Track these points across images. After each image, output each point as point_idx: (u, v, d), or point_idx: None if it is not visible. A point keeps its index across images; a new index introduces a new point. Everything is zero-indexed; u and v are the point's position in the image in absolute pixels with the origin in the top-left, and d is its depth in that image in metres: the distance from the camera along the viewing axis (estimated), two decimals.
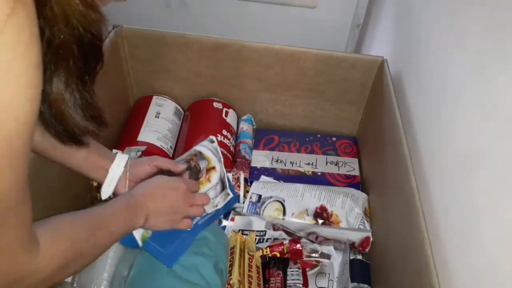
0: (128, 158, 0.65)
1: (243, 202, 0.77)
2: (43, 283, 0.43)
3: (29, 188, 0.35)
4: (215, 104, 0.88)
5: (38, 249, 0.41)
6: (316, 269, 0.70)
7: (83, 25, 0.34)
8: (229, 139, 0.85)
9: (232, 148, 0.85)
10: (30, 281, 0.40)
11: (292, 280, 0.69)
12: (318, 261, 0.71)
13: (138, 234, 0.62)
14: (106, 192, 0.64)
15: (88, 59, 0.37)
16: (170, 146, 0.84)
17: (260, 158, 0.85)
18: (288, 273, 0.69)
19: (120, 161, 0.64)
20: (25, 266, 0.39)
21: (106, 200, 0.65)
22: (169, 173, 0.67)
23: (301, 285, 0.67)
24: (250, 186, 0.79)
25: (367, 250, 0.72)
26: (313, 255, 0.72)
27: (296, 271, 0.70)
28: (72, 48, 0.35)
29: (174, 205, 0.62)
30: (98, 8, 0.34)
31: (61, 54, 0.35)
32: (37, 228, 0.42)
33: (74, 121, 0.40)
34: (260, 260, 0.71)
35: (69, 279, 0.61)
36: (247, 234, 0.72)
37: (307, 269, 0.70)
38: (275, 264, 0.70)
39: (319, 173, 0.83)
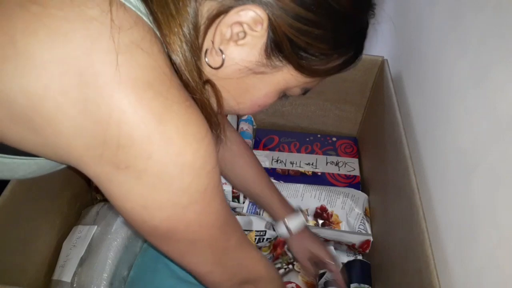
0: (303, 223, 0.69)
1: (243, 202, 0.77)
2: None
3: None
4: None
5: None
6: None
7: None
8: None
9: None
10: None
11: None
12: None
13: None
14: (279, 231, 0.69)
15: None
16: None
17: (260, 158, 0.85)
18: None
19: (299, 222, 0.68)
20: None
21: None
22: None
23: None
24: None
25: (367, 251, 0.72)
26: None
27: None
28: None
29: None
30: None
31: None
32: None
33: None
34: None
35: (68, 279, 0.61)
36: (246, 234, 0.72)
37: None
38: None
39: (319, 173, 0.83)
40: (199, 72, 0.37)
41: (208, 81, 0.39)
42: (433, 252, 0.49)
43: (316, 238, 0.69)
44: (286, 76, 0.41)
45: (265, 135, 0.90)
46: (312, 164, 0.84)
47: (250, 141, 0.88)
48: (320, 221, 0.72)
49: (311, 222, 0.73)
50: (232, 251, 0.44)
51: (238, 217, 0.73)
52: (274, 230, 0.74)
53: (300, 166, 0.84)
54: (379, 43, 0.96)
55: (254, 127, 0.93)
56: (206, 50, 0.38)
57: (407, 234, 0.56)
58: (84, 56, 0.30)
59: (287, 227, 0.66)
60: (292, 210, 0.68)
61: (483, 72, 0.48)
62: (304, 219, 0.68)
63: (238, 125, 0.92)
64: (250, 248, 0.47)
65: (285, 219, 0.67)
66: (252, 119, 0.92)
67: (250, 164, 0.68)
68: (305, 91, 0.46)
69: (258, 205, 0.75)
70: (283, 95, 0.45)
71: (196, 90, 0.37)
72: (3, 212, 0.54)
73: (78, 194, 0.74)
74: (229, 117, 0.88)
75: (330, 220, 0.72)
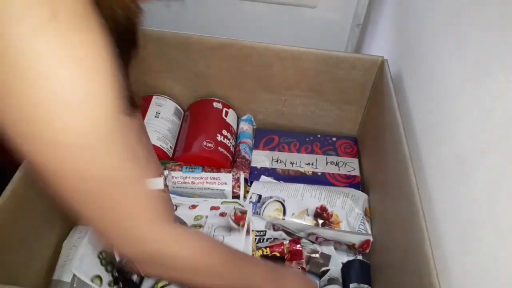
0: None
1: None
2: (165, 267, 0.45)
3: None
4: (215, 104, 0.88)
5: (174, 229, 0.45)
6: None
7: (126, 15, 0.38)
8: (229, 139, 0.85)
9: (232, 148, 0.85)
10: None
11: None
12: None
13: None
14: None
15: (123, 43, 0.41)
16: (170, 146, 0.84)
17: (260, 158, 0.85)
18: None
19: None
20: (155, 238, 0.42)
21: None
22: None
23: None
24: (250, 186, 0.79)
25: (367, 251, 0.72)
26: (313, 255, 0.72)
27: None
28: (111, 31, 0.37)
29: None
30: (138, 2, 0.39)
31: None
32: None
33: None
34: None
35: (69, 279, 0.61)
36: None
37: None
38: None
39: (319, 173, 0.83)
40: None
41: None
42: (433, 252, 0.49)
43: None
44: None
45: (265, 135, 0.90)
46: (312, 164, 0.84)
47: (250, 141, 0.88)
48: (320, 221, 0.72)
49: (311, 221, 0.73)
50: (129, 217, 0.40)
51: None
52: (273, 229, 0.74)
53: (300, 166, 0.84)
54: (379, 43, 0.96)
55: (254, 127, 0.93)
56: None
57: (407, 234, 0.56)
58: None
59: None
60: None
61: (483, 72, 0.48)
62: None
63: (238, 125, 0.92)
64: (157, 222, 0.43)
65: None
66: (252, 119, 0.92)
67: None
68: None
69: None
70: None
71: None
72: (3, 212, 0.54)
73: None
74: (229, 117, 0.88)
75: (330, 220, 0.72)
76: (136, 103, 0.49)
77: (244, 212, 0.72)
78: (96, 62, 0.31)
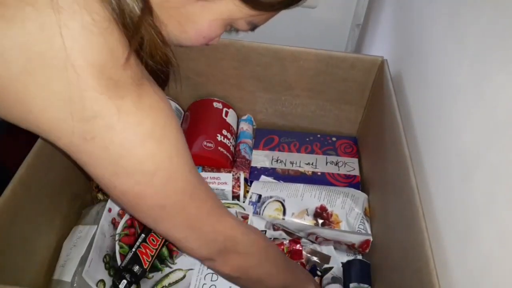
0: None
1: (243, 202, 0.77)
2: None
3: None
4: (215, 104, 0.88)
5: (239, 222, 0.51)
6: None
7: (163, 60, 0.45)
8: (229, 139, 0.85)
9: (232, 148, 0.85)
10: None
11: None
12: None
13: None
14: None
15: (157, 78, 0.47)
16: None
17: (260, 158, 0.85)
18: None
19: None
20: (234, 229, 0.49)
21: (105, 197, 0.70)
22: None
23: None
24: (250, 186, 0.79)
25: (367, 251, 0.72)
26: (313, 255, 0.72)
27: None
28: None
29: None
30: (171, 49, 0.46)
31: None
32: None
33: None
34: None
35: (69, 279, 0.61)
36: None
37: None
38: None
39: (319, 173, 0.83)
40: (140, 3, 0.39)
41: (147, 8, 0.40)
42: (433, 252, 0.49)
43: None
44: (229, 6, 0.42)
45: (265, 135, 0.90)
46: (312, 164, 0.84)
47: (250, 141, 0.88)
48: (320, 221, 0.72)
49: (311, 221, 0.73)
50: (205, 218, 0.45)
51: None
52: (273, 229, 0.74)
53: (300, 166, 0.84)
54: (379, 43, 0.96)
55: (254, 127, 0.93)
56: None
57: (407, 234, 0.56)
58: (42, 42, 0.33)
59: None
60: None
61: (483, 71, 0.48)
62: None
63: (238, 125, 0.92)
64: (225, 215, 0.49)
65: None
66: (252, 119, 0.92)
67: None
68: (253, 27, 0.47)
69: None
70: (231, 29, 0.47)
71: (139, 23, 0.38)
72: (3, 212, 0.54)
73: (78, 194, 0.74)
74: (229, 117, 0.88)
75: (330, 220, 0.72)
76: None
77: (245, 217, 0.72)
78: (159, 112, 0.39)
